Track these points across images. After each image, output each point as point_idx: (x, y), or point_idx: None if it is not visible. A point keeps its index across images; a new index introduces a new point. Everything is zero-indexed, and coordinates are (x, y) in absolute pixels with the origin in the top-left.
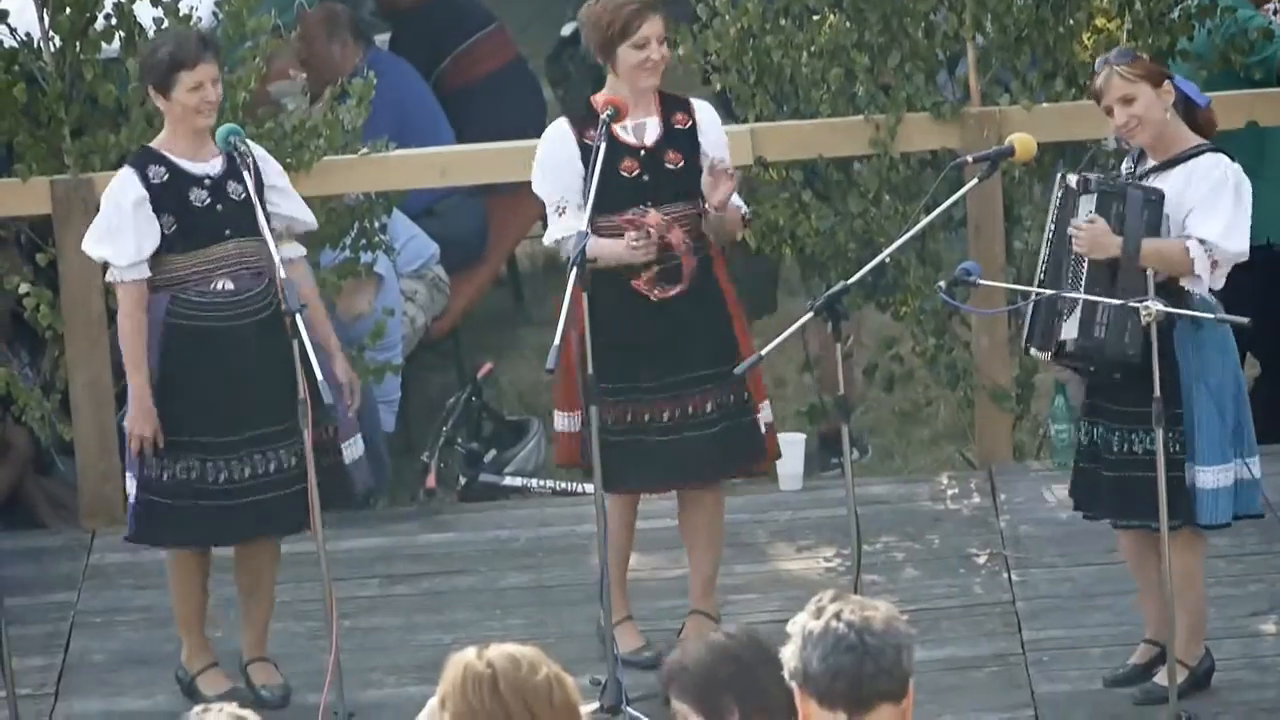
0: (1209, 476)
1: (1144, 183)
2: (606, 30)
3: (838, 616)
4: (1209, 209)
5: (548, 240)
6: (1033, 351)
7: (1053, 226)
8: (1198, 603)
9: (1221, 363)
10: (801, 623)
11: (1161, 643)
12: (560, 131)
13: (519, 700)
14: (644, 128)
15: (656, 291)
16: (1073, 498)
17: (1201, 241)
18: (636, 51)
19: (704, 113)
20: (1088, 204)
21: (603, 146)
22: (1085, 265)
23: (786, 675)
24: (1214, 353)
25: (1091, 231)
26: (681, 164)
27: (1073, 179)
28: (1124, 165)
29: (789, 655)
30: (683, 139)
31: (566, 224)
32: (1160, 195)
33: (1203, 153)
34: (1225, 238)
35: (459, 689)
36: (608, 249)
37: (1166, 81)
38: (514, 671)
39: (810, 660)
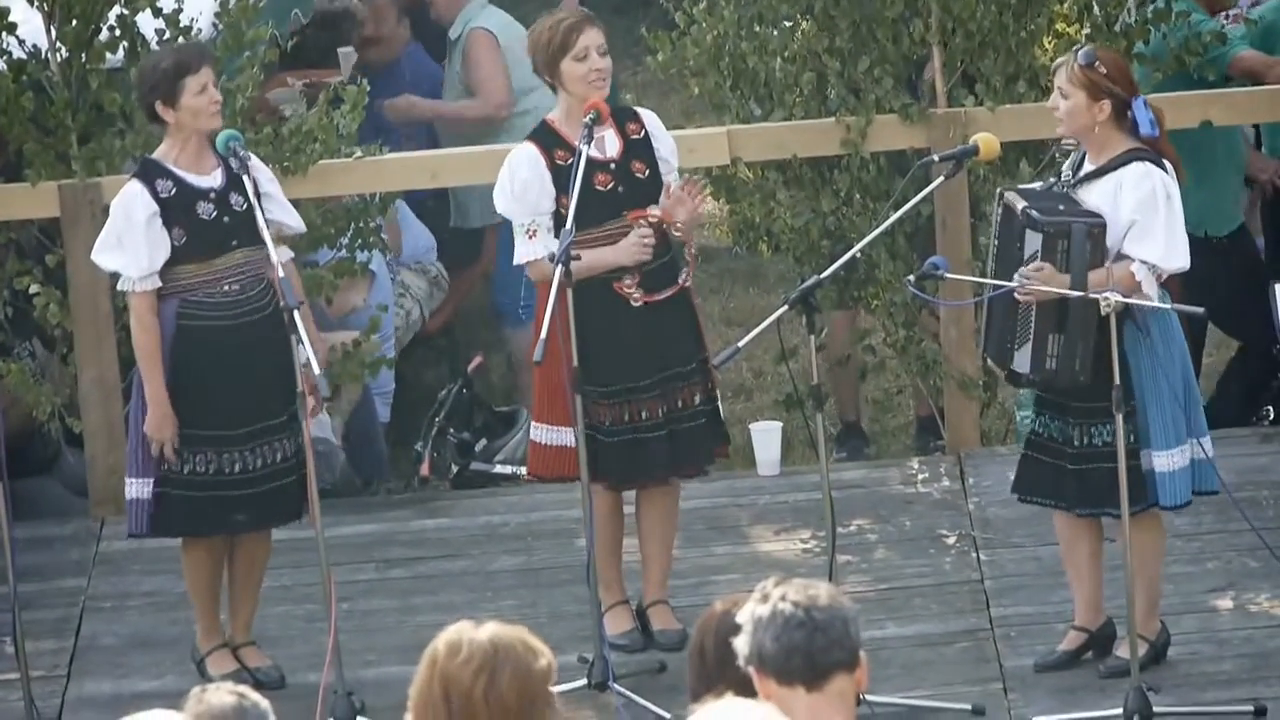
0: (1164, 460)
1: (1074, 196)
2: (548, 48)
3: (784, 598)
4: (1146, 230)
5: (518, 260)
6: (989, 363)
7: (996, 243)
8: (1155, 580)
9: (1168, 354)
10: (750, 610)
11: (1091, 629)
12: (529, 154)
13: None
14: (604, 141)
15: (639, 294)
16: (1020, 488)
17: (1144, 263)
18: (579, 64)
19: (652, 120)
20: (1033, 241)
21: (585, 150)
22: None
23: (741, 662)
24: (1160, 345)
25: (1040, 279)
26: (647, 172)
27: (1017, 202)
28: (1065, 166)
29: (742, 643)
30: (641, 148)
31: (536, 246)
32: (1103, 225)
33: (1131, 160)
34: (1167, 258)
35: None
36: (598, 257)
37: (1105, 100)
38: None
39: (764, 643)
